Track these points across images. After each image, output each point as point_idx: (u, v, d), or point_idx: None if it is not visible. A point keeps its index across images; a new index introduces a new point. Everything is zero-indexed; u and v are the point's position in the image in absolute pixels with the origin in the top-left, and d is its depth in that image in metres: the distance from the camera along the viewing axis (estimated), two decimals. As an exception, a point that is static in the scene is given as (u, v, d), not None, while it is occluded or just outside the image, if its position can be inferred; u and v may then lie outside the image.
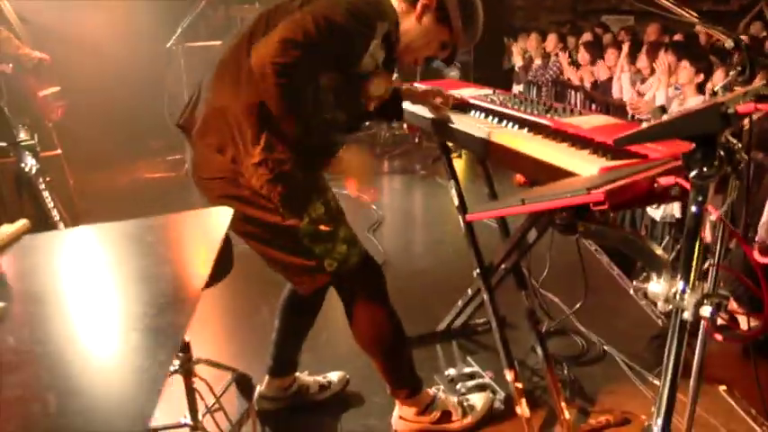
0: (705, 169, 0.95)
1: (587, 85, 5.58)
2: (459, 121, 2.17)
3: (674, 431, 1.78)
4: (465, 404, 2.30)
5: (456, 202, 2.44)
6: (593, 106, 5.41)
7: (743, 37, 4.88)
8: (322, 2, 1.76)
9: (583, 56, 5.80)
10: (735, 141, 1.00)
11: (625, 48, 5.10)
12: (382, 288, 2.07)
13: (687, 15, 1.51)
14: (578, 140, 1.75)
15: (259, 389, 2.34)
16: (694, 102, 3.94)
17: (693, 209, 0.99)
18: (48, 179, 3.32)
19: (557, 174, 1.60)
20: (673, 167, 1.17)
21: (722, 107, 0.88)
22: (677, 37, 5.22)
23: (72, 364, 0.74)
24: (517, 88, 7.12)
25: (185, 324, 0.68)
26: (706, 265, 1.14)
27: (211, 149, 1.82)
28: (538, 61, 6.57)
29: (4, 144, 3.09)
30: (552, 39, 6.73)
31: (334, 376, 2.49)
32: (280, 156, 1.77)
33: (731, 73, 1.37)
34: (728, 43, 1.40)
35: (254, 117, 1.76)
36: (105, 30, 6.23)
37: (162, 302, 0.77)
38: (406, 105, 2.33)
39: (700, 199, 0.98)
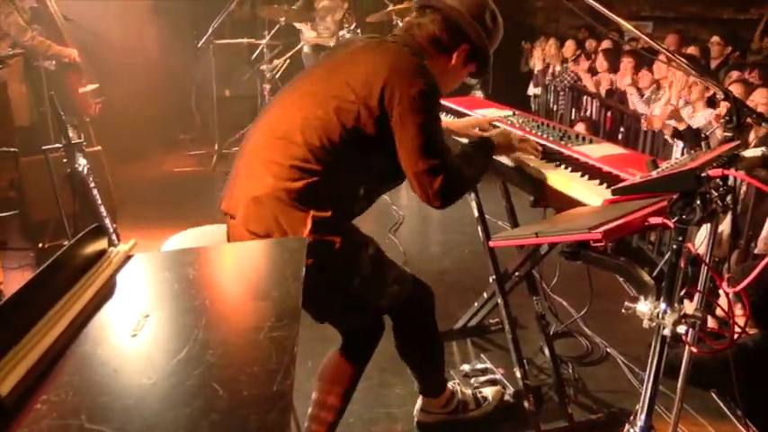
0: (684, 216, 1.18)
1: (603, 92, 5.72)
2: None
3: (664, 426, 2.02)
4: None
5: (476, 213, 2.66)
6: (609, 113, 5.53)
7: (761, 44, 5.02)
8: (391, 60, 1.81)
9: (601, 63, 5.94)
10: (715, 193, 1.22)
11: (630, 66, 5.21)
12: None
13: (681, 65, 1.71)
14: (588, 170, 1.93)
15: (418, 404, 2.39)
16: (702, 117, 4.11)
17: (674, 246, 1.22)
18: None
19: (568, 201, 1.80)
20: (664, 207, 1.38)
21: (697, 170, 1.11)
22: (691, 49, 5.33)
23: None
24: (534, 91, 7.30)
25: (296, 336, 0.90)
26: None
27: (257, 236, 1.81)
28: (557, 67, 6.73)
29: (59, 145, 3.28)
30: (570, 45, 6.90)
31: (488, 392, 2.51)
32: (327, 238, 1.79)
33: (720, 121, 1.58)
34: (719, 94, 1.61)
35: (297, 201, 1.76)
36: (138, 28, 6.48)
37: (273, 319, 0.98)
38: None
39: (680, 239, 1.21)
